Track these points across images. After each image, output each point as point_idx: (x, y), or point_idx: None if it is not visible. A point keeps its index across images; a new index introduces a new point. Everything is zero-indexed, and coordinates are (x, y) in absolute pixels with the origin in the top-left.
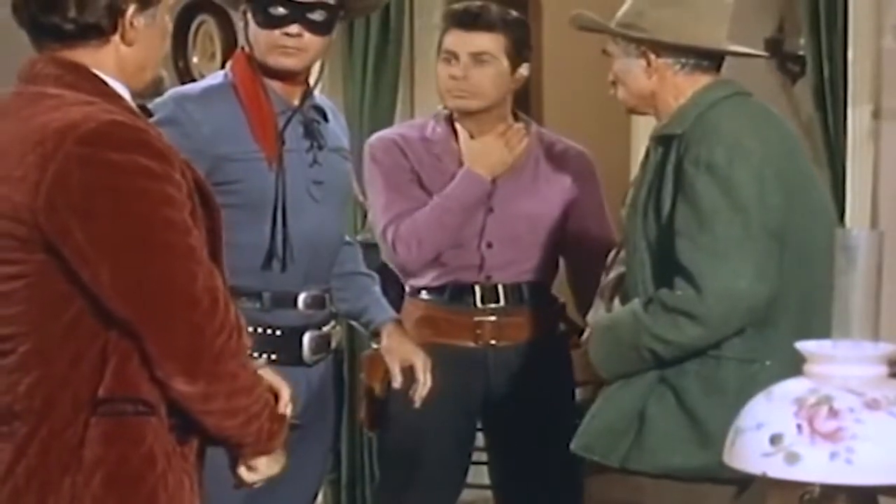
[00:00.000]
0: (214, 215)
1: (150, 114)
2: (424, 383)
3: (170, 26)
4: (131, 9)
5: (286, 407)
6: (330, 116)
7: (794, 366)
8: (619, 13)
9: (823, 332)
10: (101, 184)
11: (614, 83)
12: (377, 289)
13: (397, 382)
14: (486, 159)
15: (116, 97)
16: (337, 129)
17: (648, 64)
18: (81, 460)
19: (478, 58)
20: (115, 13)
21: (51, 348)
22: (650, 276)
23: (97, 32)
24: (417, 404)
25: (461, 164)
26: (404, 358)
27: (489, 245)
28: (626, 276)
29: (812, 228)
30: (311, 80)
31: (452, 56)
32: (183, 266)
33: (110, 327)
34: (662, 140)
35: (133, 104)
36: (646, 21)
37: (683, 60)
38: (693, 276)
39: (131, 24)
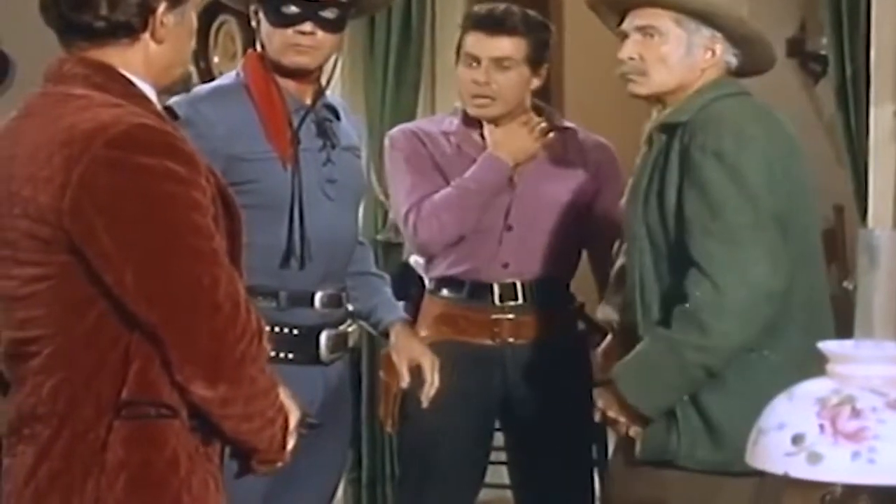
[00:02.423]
0: (235, 220)
1: (175, 115)
2: (432, 383)
3: (195, 22)
4: (162, 7)
5: (293, 430)
6: (342, 115)
7: (794, 358)
8: None
9: (828, 329)
10: (129, 187)
11: (641, 61)
12: (387, 289)
13: (404, 382)
14: (510, 145)
15: (144, 99)
16: (349, 128)
17: (714, 55)
18: (104, 463)
19: (500, 63)
20: (146, 11)
21: (74, 351)
22: (650, 264)
23: (128, 31)
24: (425, 404)
25: (481, 150)
26: (412, 358)
27: (510, 228)
28: (626, 264)
29: (809, 226)
30: (323, 79)
31: (474, 60)
32: (207, 271)
33: (133, 330)
34: (665, 128)
35: (159, 106)
36: (723, 16)
37: (738, 59)
38: (707, 265)
39: (161, 22)
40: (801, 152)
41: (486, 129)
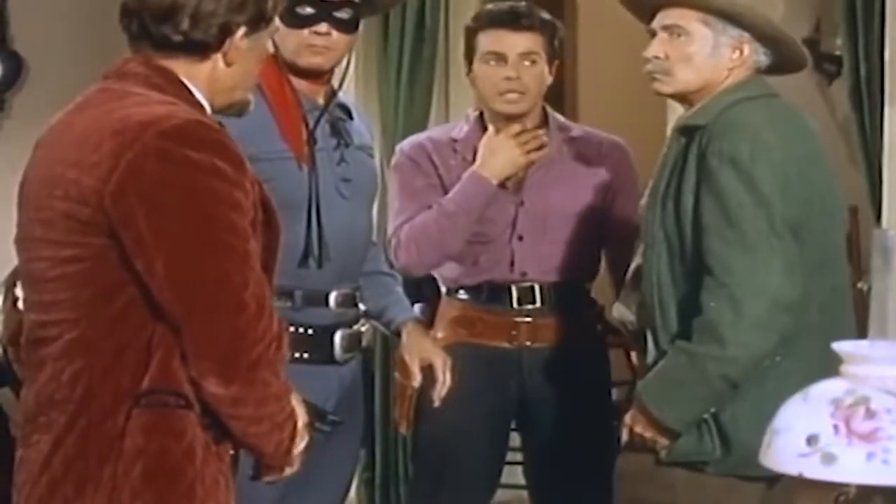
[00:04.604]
0: (274, 231)
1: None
2: (444, 383)
3: (270, 49)
4: (241, 31)
5: (301, 434)
6: (354, 114)
7: (808, 363)
8: None
9: (847, 333)
10: (174, 179)
11: (666, 60)
12: (399, 288)
13: (416, 382)
14: (494, 161)
15: (199, 106)
16: (361, 127)
17: (742, 54)
18: (122, 451)
19: (526, 58)
20: (225, 33)
21: (97, 337)
22: (666, 267)
23: (202, 48)
24: (437, 403)
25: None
26: (424, 357)
27: (520, 238)
28: (643, 266)
29: (829, 231)
30: (335, 80)
31: (499, 57)
32: (237, 269)
33: (158, 320)
34: (685, 131)
35: (213, 117)
36: (749, 15)
37: (761, 61)
38: (724, 274)
39: (237, 45)
40: (822, 156)
41: (484, 137)
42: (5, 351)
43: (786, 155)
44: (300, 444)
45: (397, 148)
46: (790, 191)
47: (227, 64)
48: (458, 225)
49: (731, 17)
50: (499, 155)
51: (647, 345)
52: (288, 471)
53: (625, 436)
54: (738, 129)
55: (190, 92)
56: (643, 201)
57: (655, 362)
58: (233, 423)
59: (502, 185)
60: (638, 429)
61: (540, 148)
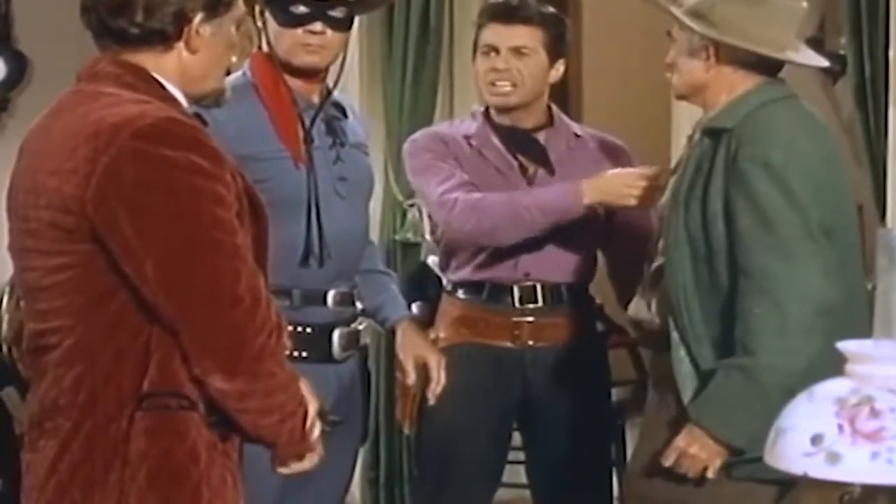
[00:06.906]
0: (261, 223)
1: (204, 122)
2: (438, 381)
3: (234, 37)
4: (198, 17)
5: (314, 420)
6: (349, 113)
7: (824, 364)
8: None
9: (861, 331)
10: (153, 179)
11: (670, 67)
12: (394, 287)
13: (410, 380)
14: (602, 185)
15: (173, 100)
16: (356, 126)
17: (708, 58)
18: (127, 455)
19: (518, 51)
20: (182, 20)
21: (95, 342)
22: (690, 269)
23: (161, 38)
24: (432, 401)
25: (502, 156)
26: (418, 356)
27: (528, 239)
28: (665, 267)
29: (849, 231)
30: (330, 79)
31: (492, 49)
32: (228, 264)
33: (153, 322)
34: (710, 133)
35: (188, 110)
36: (716, 15)
37: (744, 61)
38: (766, 281)
39: (197, 32)
40: (840, 157)
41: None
42: (9, 350)
43: (816, 158)
44: (315, 430)
45: (411, 138)
46: (822, 193)
47: (192, 52)
48: (524, 221)
49: (681, 23)
50: (610, 184)
51: (666, 344)
52: (309, 457)
53: (672, 458)
54: (770, 133)
55: (162, 87)
56: (661, 201)
57: (690, 367)
58: (242, 418)
59: (524, 174)
60: (693, 450)
61: (650, 196)
